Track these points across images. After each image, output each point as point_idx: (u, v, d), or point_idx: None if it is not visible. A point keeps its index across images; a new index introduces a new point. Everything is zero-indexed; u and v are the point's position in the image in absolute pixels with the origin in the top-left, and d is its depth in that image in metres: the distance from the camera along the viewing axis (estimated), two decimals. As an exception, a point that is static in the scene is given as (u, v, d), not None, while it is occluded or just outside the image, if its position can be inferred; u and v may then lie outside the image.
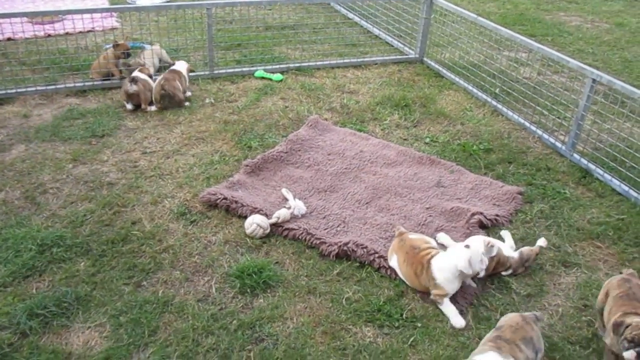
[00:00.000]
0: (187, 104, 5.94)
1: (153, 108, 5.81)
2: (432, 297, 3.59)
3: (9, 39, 7.16)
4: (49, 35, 7.47)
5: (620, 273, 3.45)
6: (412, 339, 3.36)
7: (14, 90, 5.97)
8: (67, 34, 7.42)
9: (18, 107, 5.78)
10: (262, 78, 6.68)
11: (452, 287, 3.55)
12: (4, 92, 5.93)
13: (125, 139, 5.30)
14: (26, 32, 7.01)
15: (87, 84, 6.20)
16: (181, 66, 6.08)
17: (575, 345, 3.38)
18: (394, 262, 3.81)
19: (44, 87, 6.07)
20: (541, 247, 4.02)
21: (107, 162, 4.94)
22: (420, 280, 3.62)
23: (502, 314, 3.54)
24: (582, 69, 5.15)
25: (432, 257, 3.62)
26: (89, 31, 7.54)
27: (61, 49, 6.92)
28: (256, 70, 6.76)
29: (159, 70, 6.61)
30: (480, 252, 3.52)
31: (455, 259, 3.52)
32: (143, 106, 5.77)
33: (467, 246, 3.56)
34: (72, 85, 6.15)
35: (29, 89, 6.02)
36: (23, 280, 3.64)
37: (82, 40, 7.18)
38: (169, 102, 5.79)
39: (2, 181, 4.61)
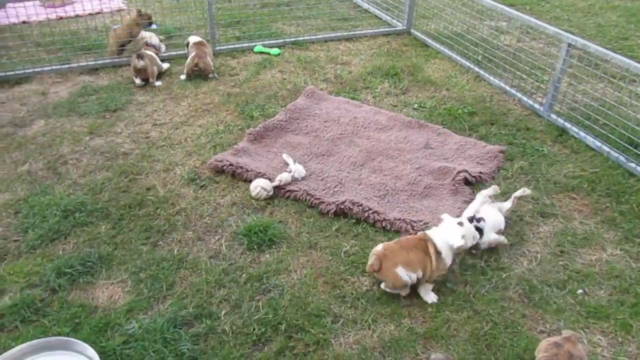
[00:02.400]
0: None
1: (159, 83, 5.76)
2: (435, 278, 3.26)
3: (23, 22, 7.04)
4: (61, 18, 7.33)
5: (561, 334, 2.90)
6: (405, 285, 3.40)
7: (31, 70, 5.90)
8: (77, 16, 7.28)
9: (36, 86, 5.73)
10: (261, 53, 6.59)
11: (449, 261, 3.29)
12: (22, 71, 5.86)
13: (136, 112, 5.26)
14: (39, 15, 6.89)
15: (98, 62, 6.13)
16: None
17: (552, 287, 3.43)
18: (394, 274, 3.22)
19: (58, 66, 6.00)
20: (490, 196, 3.96)
21: (121, 134, 4.92)
22: (431, 259, 3.20)
23: (486, 262, 3.59)
24: (559, 34, 5.08)
25: (425, 232, 3.31)
26: (97, 13, 7.40)
27: (72, 30, 6.79)
28: (255, 45, 6.67)
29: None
30: (472, 228, 3.34)
31: (450, 235, 3.22)
32: (151, 80, 5.72)
33: (460, 223, 3.29)
34: (84, 64, 6.07)
35: (45, 69, 5.95)
36: (50, 243, 3.68)
37: (91, 21, 7.06)
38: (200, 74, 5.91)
39: (25, 153, 4.60)
